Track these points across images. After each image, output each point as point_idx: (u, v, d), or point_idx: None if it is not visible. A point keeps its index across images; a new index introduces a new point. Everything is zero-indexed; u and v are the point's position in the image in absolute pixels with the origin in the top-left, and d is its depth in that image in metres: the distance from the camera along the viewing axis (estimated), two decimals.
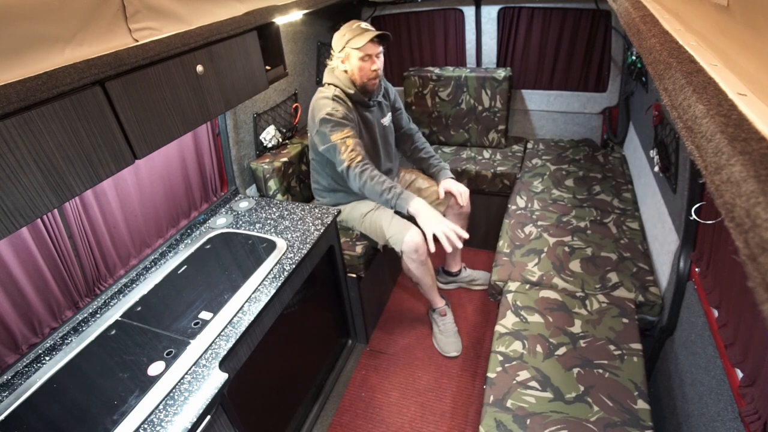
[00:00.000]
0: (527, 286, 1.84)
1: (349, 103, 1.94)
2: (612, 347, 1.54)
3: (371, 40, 1.84)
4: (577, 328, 1.63)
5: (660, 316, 1.67)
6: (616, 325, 1.61)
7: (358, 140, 1.88)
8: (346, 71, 1.94)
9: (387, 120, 2.15)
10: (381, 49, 1.92)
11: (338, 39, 1.91)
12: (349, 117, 1.90)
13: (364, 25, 1.90)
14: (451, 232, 1.76)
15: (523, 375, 1.49)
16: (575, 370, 1.48)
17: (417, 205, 1.82)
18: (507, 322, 1.69)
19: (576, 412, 1.36)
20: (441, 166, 2.24)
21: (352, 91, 1.94)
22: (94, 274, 1.53)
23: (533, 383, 1.46)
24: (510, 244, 2.08)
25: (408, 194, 1.85)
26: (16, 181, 0.82)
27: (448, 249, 1.78)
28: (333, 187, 2.09)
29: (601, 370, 1.46)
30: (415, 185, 2.28)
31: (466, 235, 1.79)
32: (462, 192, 2.12)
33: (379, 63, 1.92)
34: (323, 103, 1.89)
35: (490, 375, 1.51)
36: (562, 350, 1.55)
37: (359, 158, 1.84)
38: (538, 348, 1.58)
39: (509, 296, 1.79)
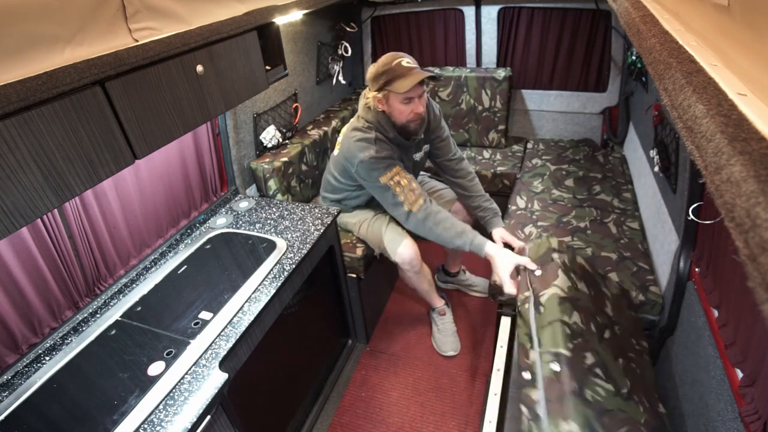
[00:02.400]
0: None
1: (390, 144, 1.79)
2: (633, 341, 1.41)
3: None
4: (609, 309, 1.44)
5: (660, 316, 1.67)
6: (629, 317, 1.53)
7: (410, 176, 1.72)
8: (384, 111, 1.74)
9: (420, 155, 2.00)
10: (425, 88, 1.71)
11: (376, 75, 1.68)
12: (393, 156, 1.75)
13: (407, 62, 1.64)
14: (526, 261, 1.53)
15: (590, 359, 1.24)
16: (620, 361, 1.29)
17: (490, 250, 1.64)
18: (562, 283, 1.38)
19: (632, 411, 1.17)
20: (492, 211, 1.99)
21: (391, 135, 1.77)
22: (94, 274, 1.53)
23: (598, 370, 1.22)
24: None
25: (481, 240, 1.67)
26: (16, 181, 0.82)
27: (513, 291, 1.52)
28: (346, 200, 2.08)
29: (633, 365, 1.31)
30: (429, 185, 2.26)
31: (533, 267, 1.52)
32: (519, 246, 1.77)
33: (422, 103, 1.71)
34: (364, 146, 1.71)
35: (563, 351, 1.20)
36: (607, 333, 1.35)
37: (421, 201, 1.68)
38: (592, 326, 1.33)
39: (555, 255, 1.53)
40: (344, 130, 1.89)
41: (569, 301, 1.34)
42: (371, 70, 1.71)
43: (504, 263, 1.57)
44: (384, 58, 1.68)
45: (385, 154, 1.70)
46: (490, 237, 1.86)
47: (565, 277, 1.41)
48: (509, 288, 1.52)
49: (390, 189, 1.69)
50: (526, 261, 1.52)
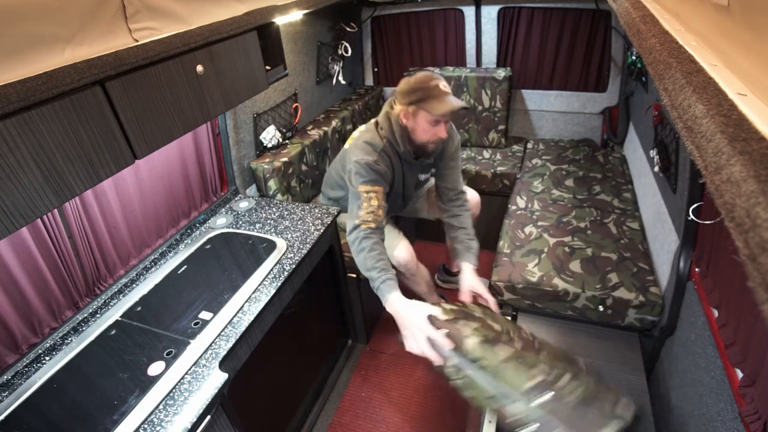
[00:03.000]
0: None
1: (396, 161, 1.77)
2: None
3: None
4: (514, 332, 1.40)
5: (660, 316, 1.67)
6: None
7: (383, 203, 1.67)
8: (406, 126, 1.72)
9: (425, 176, 2.00)
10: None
11: (409, 90, 1.65)
12: (387, 177, 1.72)
13: (444, 85, 1.63)
14: (427, 348, 1.34)
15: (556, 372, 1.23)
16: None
17: (393, 304, 1.47)
18: (470, 330, 1.32)
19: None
20: (466, 245, 1.87)
21: (401, 150, 1.75)
22: (94, 274, 1.53)
23: (567, 376, 1.24)
24: (510, 245, 2.08)
25: (389, 286, 1.51)
26: (16, 181, 0.82)
27: (437, 360, 1.35)
28: (344, 199, 2.07)
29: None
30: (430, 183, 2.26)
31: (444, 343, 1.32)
32: (481, 292, 1.69)
33: (446, 128, 1.71)
34: (368, 149, 1.70)
35: (539, 378, 1.17)
36: (537, 344, 1.33)
37: (373, 224, 1.61)
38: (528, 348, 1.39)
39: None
40: (360, 128, 1.89)
41: (490, 341, 1.26)
42: (405, 83, 1.68)
43: (403, 328, 1.41)
44: (422, 76, 1.65)
45: (380, 168, 1.68)
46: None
47: (467, 324, 1.32)
48: (429, 353, 1.33)
49: (360, 199, 1.65)
50: (435, 335, 1.31)
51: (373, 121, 1.84)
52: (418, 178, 1.96)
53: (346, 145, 1.94)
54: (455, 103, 1.62)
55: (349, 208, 1.75)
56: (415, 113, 1.67)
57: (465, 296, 1.75)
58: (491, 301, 1.63)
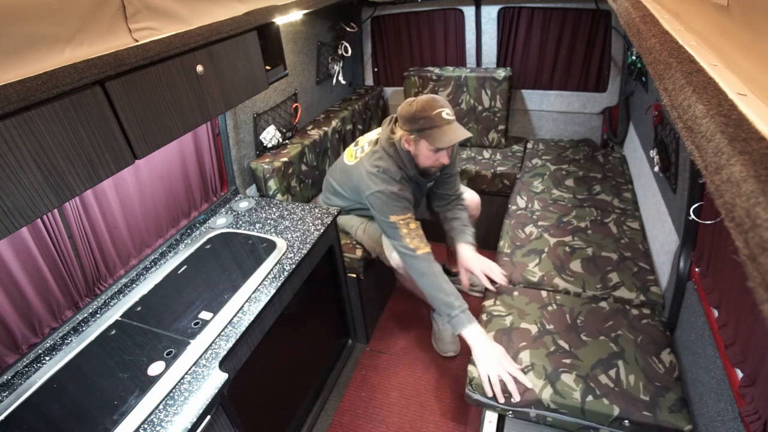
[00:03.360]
0: None
1: (408, 182, 1.79)
2: None
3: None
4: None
5: (660, 316, 1.67)
6: None
7: (418, 226, 1.71)
8: (409, 151, 1.73)
9: (430, 184, 2.01)
10: None
11: (412, 118, 1.63)
12: (411, 201, 1.75)
13: (447, 113, 1.61)
14: (508, 378, 1.39)
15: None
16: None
17: (473, 334, 1.52)
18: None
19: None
20: (461, 229, 1.93)
21: (411, 174, 1.77)
22: (94, 274, 1.53)
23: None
24: (511, 245, 2.08)
25: (466, 317, 1.56)
26: (16, 181, 0.82)
27: (500, 398, 1.41)
28: (348, 208, 2.08)
29: None
30: None
31: (524, 384, 1.40)
32: (491, 269, 1.75)
33: (449, 154, 1.70)
34: (387, 179, 1.70)
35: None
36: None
37: (427, 249, 1.67)
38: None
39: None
40: (364, 147, 1.86)
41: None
42: (407, 109, 1.65)
43: (480, 360, 1.45)
44: (424, 103, 1.62)
45: (406, 195, 1.71)
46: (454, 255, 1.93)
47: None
48: (499, 393, 1.40)
49: (398, 229, 1.68)
50: (503, 375, 1.39)
51: (377, 145, 1.81)
52: (422, 188, 1.98)
53: (349, 161, 1.91)
54: (459, 134, 1.60)
55: (386, 234, 1.78)
56: (417, 141, 1.65)
57: (464, 276, 1.83)
58: (501, 278, 1.72)
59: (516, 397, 1.39)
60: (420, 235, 1.70)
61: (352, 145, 2.00)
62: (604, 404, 1.34)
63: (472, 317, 1.58)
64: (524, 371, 1.45)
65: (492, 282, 1.78)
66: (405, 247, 1.69)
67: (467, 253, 1.84)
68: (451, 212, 2.00)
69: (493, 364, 1.42)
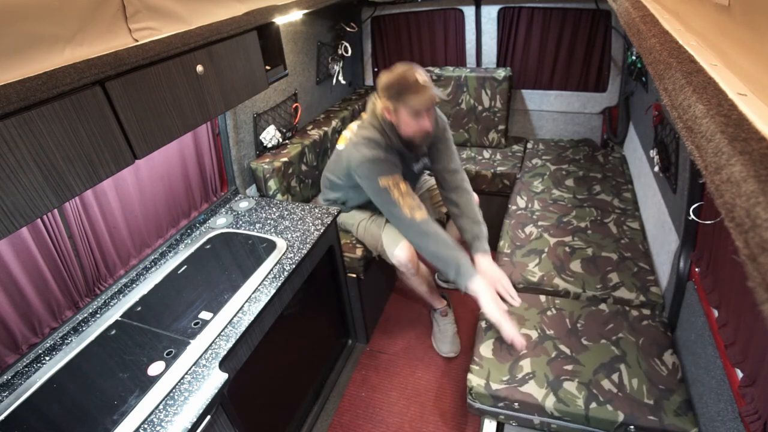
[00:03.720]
0: None
1: (394, 153, 1.78)
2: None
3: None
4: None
5: (660, 316, 1.67)
6: None
7: (407, 185, 1.70)
8: (392, 121, 1.73)
9: (419, 166, 1.97)
10: (434, 105, 1.72)
11: (388, 86, 1.66)
12: (398, 166, 1.74)
13: (422, 78, 1.63)
14: (509, 327, 1.51)
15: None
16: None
17: (477, 287, 1.58)
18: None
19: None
20: (474, 233, 1.84)
21: (395, 144, 1.77)
22: (94, 274, 1.53)
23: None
24: (511, 245, 2.08)
25: (470, 271, 1.61)
26: (16, 181, 0.82)
27: (509, 341, 1.52)
28: (344, 199, 2.08)
29: None
30: (423, 186, 2.26)
31: (520, 344, 1.51)
32: (505, 286, 1.69)
33: (430, 119, 1.70)
34: (372, 146, 1.70)
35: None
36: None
37: (423, 213, 1.66)
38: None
39: None
40: (352, 128, 1.88)
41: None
42: (383, 79, 1.68)
43: (485, 306, 1.56)
44: (398, 70, 1.65)
45: (391, 158, 1.71)
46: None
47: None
48: (516, 336, 1.50)
49: (389, 192, 1.66)
50: (505, 325, 1.50)
51: (360, 120, 1.84)
52: (413, 170, 1.95)
53: (340, 146, 1.92)
54: (434, 96, 1.62)
55: (381, 209, 1.77)
56: (396, 108, 1.66)
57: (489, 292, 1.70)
58: (514, 295, 1.68)
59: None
60: (412, 196, 1.69)
61: (344, 131, 2.00)
62: (609, 410, 1.33)
63: (473, 271, 1.62)
64: (526, 379, 1.45)
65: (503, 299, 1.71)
66: (402, 218, 1.66)
67: (484, 266, 1.77)
68: (459, 206, 1.92)
69: (495, 311, 1.54)
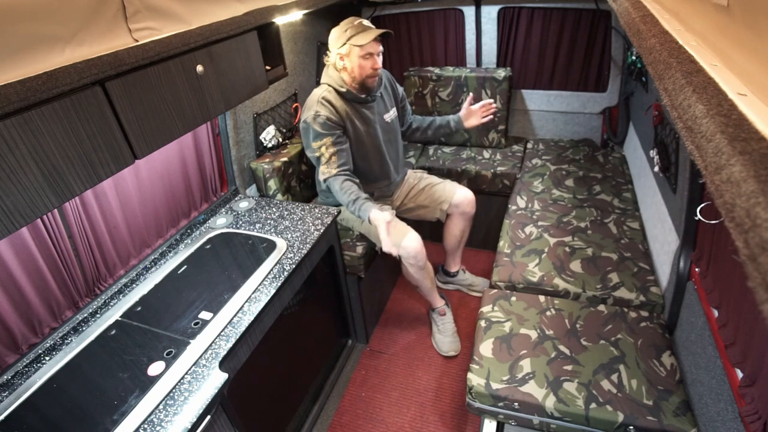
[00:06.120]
0: None
1: (341, 103, 1.93)
2: None
3: (374, 39, 1.83)
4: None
5: (660, 316, 1.67)
6: None
7: (337, 149, 1.87)
8: (345, 68, 1.91)
9: (390, 115, 2.13)
10: (381, 48, 1.92)
11: (338, 35, 1.89)
12: (332, 121, 1.88)
13: (366, 22, 1.88)
14: (389, 245, 1.72)
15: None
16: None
17: (375, 216, 1.76)
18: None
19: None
20: (443, 117, 2.36)
21: (344, 90, 1.92)
22: (94, 274, 1.53)
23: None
24: (510, 245, 2.08)
25: (368, 205, 1.80)
26: (16, 181, 0.82)
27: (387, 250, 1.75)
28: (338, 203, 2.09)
29: None
30: (419, 185, 2.27)
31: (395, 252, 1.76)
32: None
33: (379, 61, 1.92)
34: (307, 106, 1.92)
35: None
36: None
37: (334, 171, 1.87)
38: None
39: None
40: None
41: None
42: (334, 32, 1.92)
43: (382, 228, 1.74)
44: (345, 20, 1.91)
45: (321, 120, 1.85)
46: (465, 130, 2.45)
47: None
48: (388, 246, 1.72)
49: (318, 156, 1.89)
50: (387, 243, 1.73)
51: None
52: (384, 120, 2.10)
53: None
54: (377, 31, 1.85)
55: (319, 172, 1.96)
56: (349, 52, 1.87)
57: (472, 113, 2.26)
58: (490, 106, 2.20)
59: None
60: (329, 162, 1.88)
61: None
62: (608, 411, 1.33)
63: (371, 205, 1.80)
64: (526, 379, 1.46)
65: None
66: (320, 176, 1.92)
67: (466, 110, 2.27)
68: (423, 122, 2.37)
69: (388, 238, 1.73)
